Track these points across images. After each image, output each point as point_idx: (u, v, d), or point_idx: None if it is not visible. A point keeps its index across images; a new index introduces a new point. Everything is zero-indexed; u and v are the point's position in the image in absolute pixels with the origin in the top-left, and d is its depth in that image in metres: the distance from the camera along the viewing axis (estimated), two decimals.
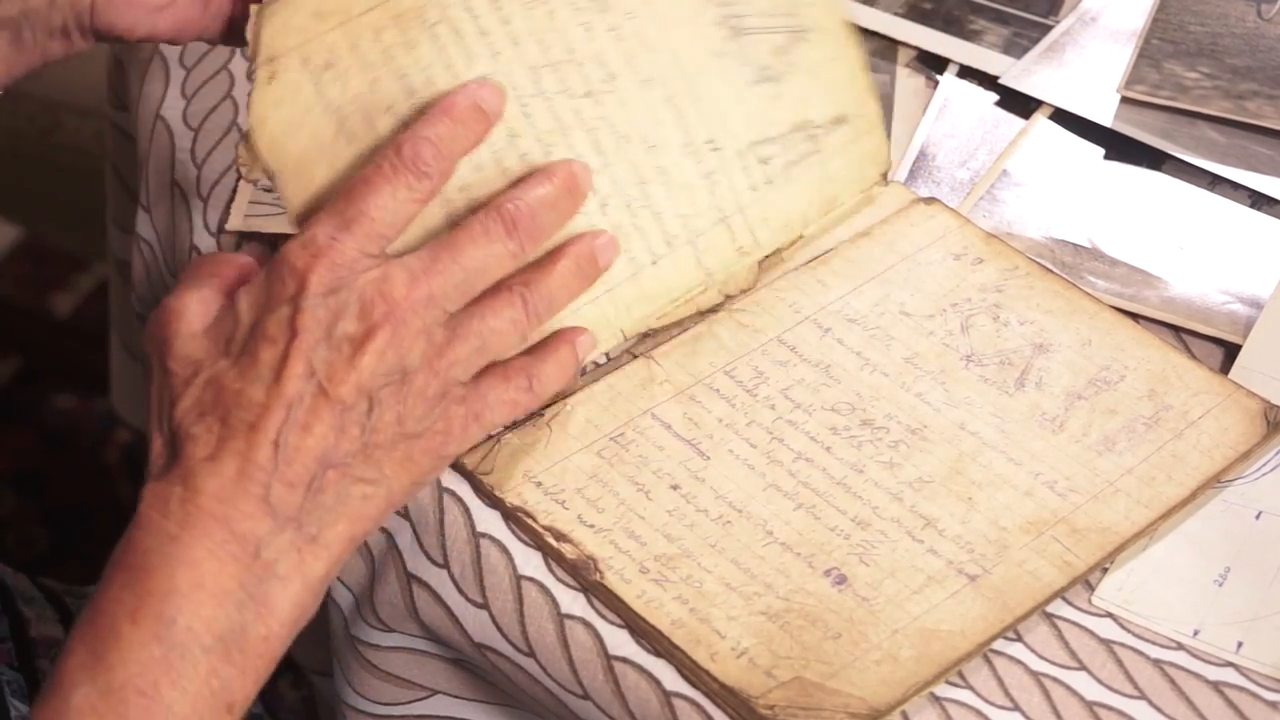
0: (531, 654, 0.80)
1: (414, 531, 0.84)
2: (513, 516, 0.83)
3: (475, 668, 0.85)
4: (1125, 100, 0.98)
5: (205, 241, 0.95)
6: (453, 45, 0.84)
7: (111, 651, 0.72)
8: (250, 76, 0.82)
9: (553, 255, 0.82)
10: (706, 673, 0.77)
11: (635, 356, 0.88)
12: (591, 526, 0.82)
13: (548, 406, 0.86)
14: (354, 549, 0.77)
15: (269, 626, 0.74)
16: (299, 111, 0.82)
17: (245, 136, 0.81)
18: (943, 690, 0.77)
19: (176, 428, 0.76)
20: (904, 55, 1.02)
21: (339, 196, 0.79)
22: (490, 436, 0.86)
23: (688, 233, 0.88)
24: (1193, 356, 0.87)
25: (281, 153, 0.81)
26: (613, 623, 0.80)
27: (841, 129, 0.90)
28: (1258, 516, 0.81)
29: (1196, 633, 0.78)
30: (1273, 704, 0.76)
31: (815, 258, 0.91)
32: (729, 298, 0.89)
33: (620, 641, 0.79)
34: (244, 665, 0.74)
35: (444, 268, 0.78)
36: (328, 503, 0.76)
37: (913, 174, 0.96)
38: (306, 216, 0.81)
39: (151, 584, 0.73)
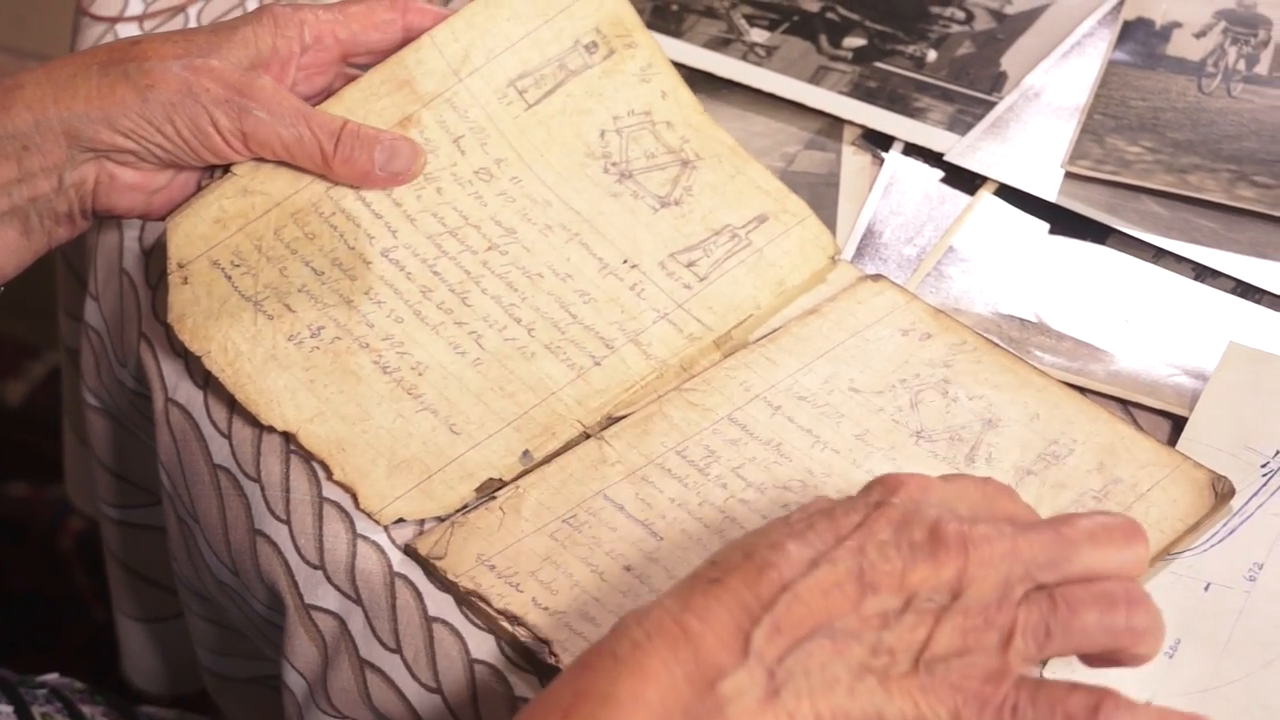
0: None
1: (366, 616, 0.84)
2: (466, 600, 0.83)
3: None
4: (1069, 175, 1.00)
5: (154, 330, 0.95)
6: (350, 231, 0.92)
7: None
8: (167, 280, 0.90)
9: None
10: None
11: (587, 437, 0.89)
12: (545, 609, 0.82)
13: (500, 489, 0.87)
14: None
15: None
16: (215, 303, 0.90)
17: (168, 328, 0.90)
18: None
19: (711, 555, 0.72)
20: (849, 133, 1.04)
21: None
22: (441, 519, 0.86)
23: (626, 334, 0.91)
24: (1140, 429, 0.88)
25: (205, 338, 0.90)
26: None
27: (766, 225, 0.93)
28: (1206, 588, 0.82)
29: (1148, 704, 0.78)
30: None
31: (764, 336, 0.92)
32: (692, 376, 0.91)
33: None
34: None
35: (1042, 535, 0.71)
36: (810, 670, 0.68)
37: (860, 251, 0.97)
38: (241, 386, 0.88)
39: (594, 684, 0.68)
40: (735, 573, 0.69)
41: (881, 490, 0.72)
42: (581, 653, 0.70)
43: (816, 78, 1.06)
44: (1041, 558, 0.70)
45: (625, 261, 0.93)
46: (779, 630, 0.68)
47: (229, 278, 0.91)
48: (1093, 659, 0.72)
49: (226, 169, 0.93)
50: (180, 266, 0.92)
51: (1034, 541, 0.70)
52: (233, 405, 0.91)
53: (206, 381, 0.92)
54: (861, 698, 0.68)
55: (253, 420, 0.89)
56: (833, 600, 0.68)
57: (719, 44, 1.08)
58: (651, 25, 1.07)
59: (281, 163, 0.93)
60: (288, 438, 0.89)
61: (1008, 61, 1.06)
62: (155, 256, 0.98)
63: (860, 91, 1.05)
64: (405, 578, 0.85)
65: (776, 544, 0.70)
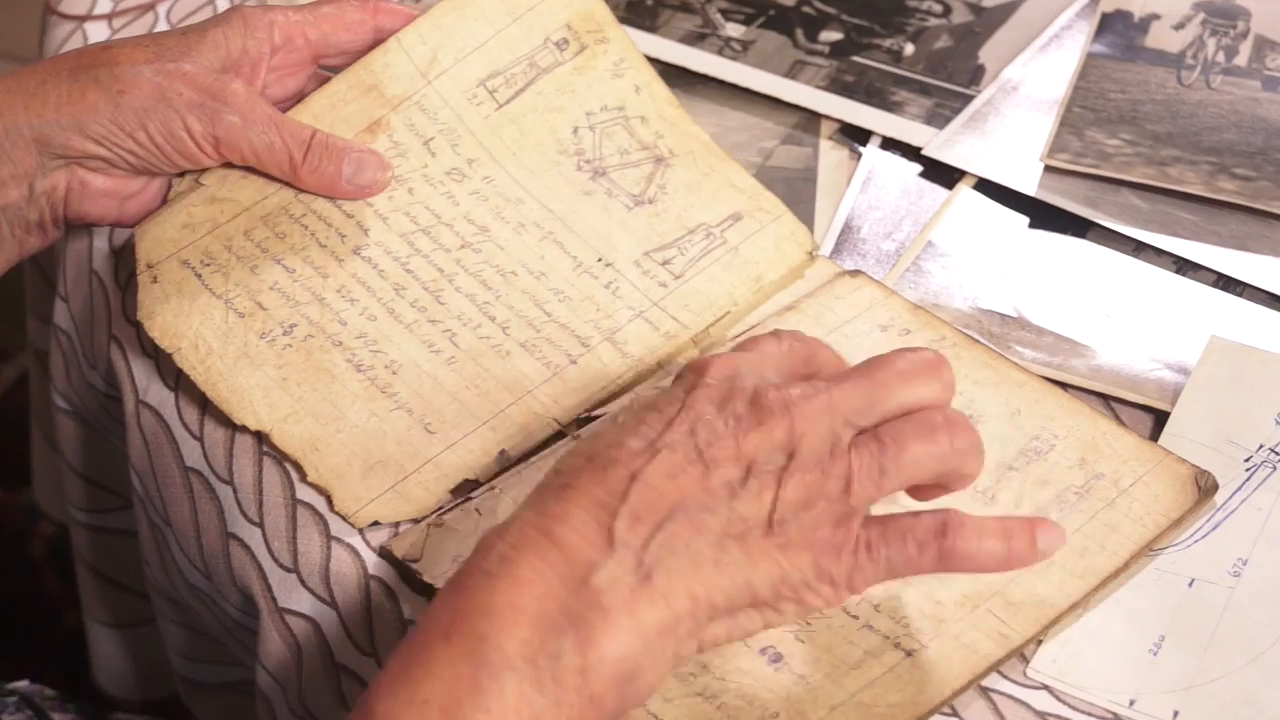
0: None
1: (340, 620, 0.84)
2: None
3: None
4: (1048, 169, 0.99)
5: (124, 331, 0.95)
6: (322, 230, 0.92)
7: (419, 666, 0.69)
8: (136, 280, 0.90)
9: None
10: None
11: (564, 436, 0.88)
12: None
13: (477, 490, 0.86)
14: (696, 621, 0.72)
15: (586, 659, 0.69)
16: (186, 300, 0.90)
17: (138, 326, 0.90)
18: None
19: (552, 466, 0.75)
20: (827, 128, 1.03)
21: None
22: (417, 521, 0.86)
23: (601, 333, 0.90)
24: (1122, 424, 0.87)
25: (176, 335, 0.89)
26: None
27: (741, 223, 0.93)
28: (1190, 584, 0.82)
29: (1132, 703, 0.78)
30: None
31: (742, 333, 0.92)
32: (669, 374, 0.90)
33: None
34: (558, 697, 0.69)
35: (855, 384, 0.75)
36: (675, 550, 0.71)
37: (838, 247, 0.97)
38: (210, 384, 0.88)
39: (470, 602, 0.70)
40: (582, 474, 0.72)
41: (693, 374, 0.75)
42: (451, 575, 0.72)
43: (793, 72, 1.06)
44: (859, 403, 0.74)
45: (600, 260, 0.92)
46: (638, 518, 0.71)
47: (199, 276, 0.91)
48: (925, 491, 0.77)
49: (194, 174, 0.93)
50: (149, 267, 0.91)
51: (848, 390, 0.74)
52: (205, 407, 0.90)
53: (178, 383, 0.92)
54: (728, 569, 0.72)
55: (225, 421, 0.89)
56: (680, 482, 0.72)
57: (694, 39, 1.08)
58: (626, 20, 1.07)
59: (249, 170, 0.93)
60: (260, 437, 0.88)
61: (986, 54, 1.06)
62: (125, 257, 0.97)
63: (837, 86, 1.05)
64: (381, 580, 0.84)
65: (613, 443, 0.73)
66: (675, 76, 1.05)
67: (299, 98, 0.96)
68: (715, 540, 0.72)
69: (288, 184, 0.93)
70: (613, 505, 0.71)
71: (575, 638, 0.70)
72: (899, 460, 0.74)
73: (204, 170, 0.93)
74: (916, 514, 0.74)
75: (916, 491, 0.77)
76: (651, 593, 0.71)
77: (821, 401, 0.74)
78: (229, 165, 0.93)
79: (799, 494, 0.73)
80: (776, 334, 0.78)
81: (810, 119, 1.04)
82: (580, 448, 0.74)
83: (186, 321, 0.90)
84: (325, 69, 0.97)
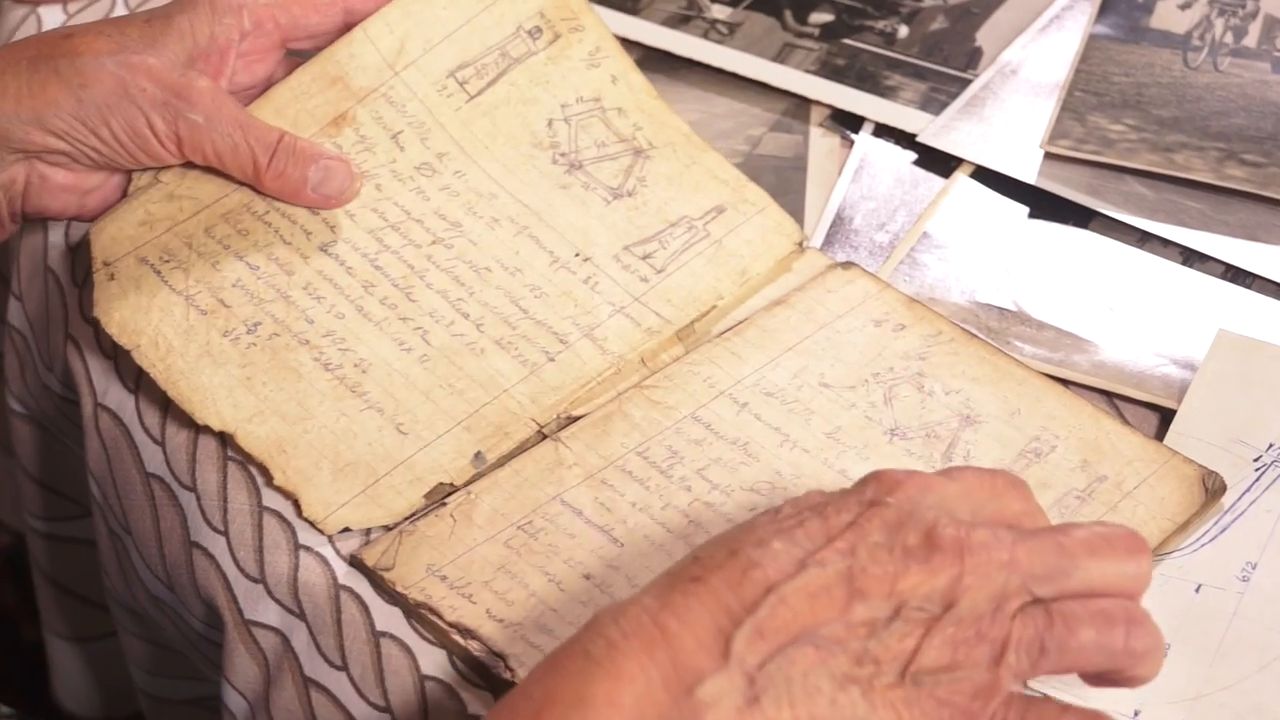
0: None
1: (310, 632, 0.84)
2: (415, 613, 0.83)
3: None
4: (1049, 156, 0.99)
5: (82, 331, 0.94)
6: (285, 227, 0.92)
7: None
8: (93, 278, 0.90)
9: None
10: None
11: (543, 437, 0.88)
12: (500, 621, 0.81)
13: (451, 494, 0.86)
14: None
15: None
16: (145, 297, 0.90)
17: (95, 323, 0.90)
18: None
19: (694, 549, 0.71)
20: (817, 114, 1.03)
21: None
22: (389, 527, 0.86)
23: (580, 329, 0.90)
24: (1126, 423, 0.87)
25: (135, 332, 0.89)
26: None
27: (724, 215, 0.93)
28: (1197, 590, 0.82)
29: (1137, 713, 0.78)
30: None
31: (729, 329, 0.91)
32: (654, 373, 0.90)
33: None
34: None
35: (1041, 545, 0.71)
36: (791, 677, 0.68)
37: (829, 238, 0.97)
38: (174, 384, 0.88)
39: (566, 686, 0.68)
40: (718, 571, 0.69)
41: (877, 488, 0.71)
42: (553, 650, 0.69)
43: (782, 56, 1.06)
44: (1040, 569, 0.70)
45: (577, 254, 0.92)
46: (761, 635, 0.68)
47: (158, 272, 0.91)
48: (1088, 678, 0.72)
49: (153, 170, 0.93)
50: (106, 265, 0.91)
51: (1033, 551, 0.70)
52: (166, 410, 0.90)
53: (138, 385, 0.91)
54: (844, 708, 0.68)
55: (188, 425, 0.89)
56: (819, 605, 0.68)
57: (678, 21, 1.07)
58: (607, 2, 1.07)
59: (211, 169, 0.93)
60: (224, 439, 0.88)
61: (983, 37, 1.06)
62: (82, 253, 0.97)
63: (828, 70, 1.05)
64: (351, 590, 0.84)
65: (763, 541, 0.69)
66: (658, 61, 1.05)
67: (269, 84, 0.96)
68: (838, 677, 0.68)
69: (250, 187, 0.93)
70: (739, 614, 0.68)
71: None
72: (1064, 644, 0.69)
73: (164, 166, 0.93)
74: (1065, 707, 0.70)
75: (1082, 677, 0.73)
76: (756, 716, 0.67)
77: (1001, 556, 0.69)
78: (190, 164, 0.93)
79: (944, 652, 0.68)
80: (987, 472, 0.73)
81: (800, 105, 1.04)
82: (727, 538, 0.70)
83: (146, 318, 0.90)
84: (293, 53, 0.97)
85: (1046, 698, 0.70)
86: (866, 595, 0.68)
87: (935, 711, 0.68)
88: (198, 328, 0.89)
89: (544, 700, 0.68)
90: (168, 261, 0.91)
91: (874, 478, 0.72)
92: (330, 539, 0.86)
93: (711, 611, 0.68)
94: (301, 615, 0.84)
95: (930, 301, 0.94)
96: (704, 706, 0.67)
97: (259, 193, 0.93)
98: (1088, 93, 1.02)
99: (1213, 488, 0.84)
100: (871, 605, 0.68)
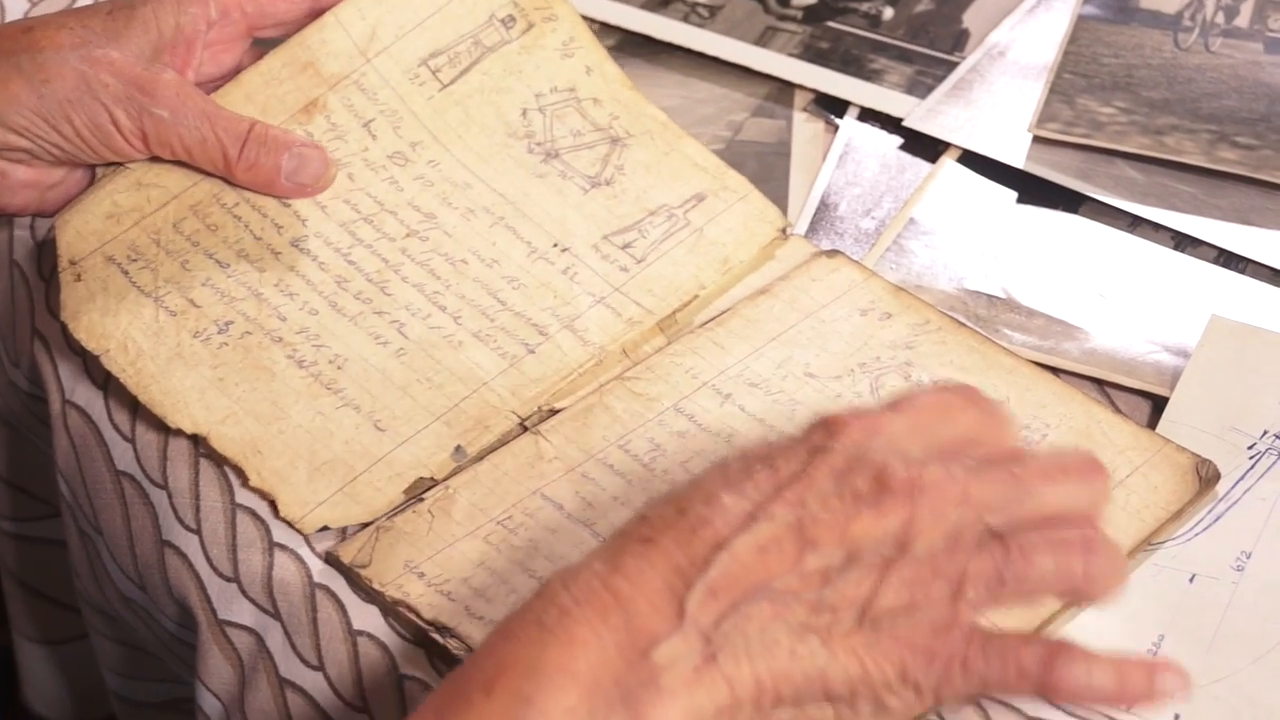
0: None
1: (285, 631, 0.84)
2: (393, 611, 0.83)
3: None
4: (1038, 140, 1.00)
5: (49, 327, 0.95)
6: (256, 221, 0.92)
7: (454, 717, 0.68)
8: (59, 278, 0.90)
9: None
10: None
11: (524, 430, 0.88)
12: (480, 619, 0.82)
13: (429, 491, 0.86)
14: (759, 709, 0.69)
15: None
16: (113, 299, 0.90)
17: (63, 326, 0.90)
18: None
19: (641, 508, 0.72)
20: (801, 99, 1.04)
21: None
22: (366, 525, 0.86)
23: (560, 321, 0.91)
24: (1118, 411, 0.88)
25: (103, 336, 0.89)
26: None
27: (705, 203, 0.93)
28: (1191, 580, 0.82)
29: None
30: None
31: (712, 319, 0.92)
32: (635, 364, 0.90)
33: None
34: None
35: (996, 477, 0.71)
36: (749, 634, 0.68)
37: (814, 226, 0.97)
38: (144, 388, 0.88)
39: (519, 655, 0.68)
40: (667, 531, 0.69)
41: (823, 433, 0.72)
42: (504, 619, 0.70)
43: (764, 39, 1.06)
44: (995, 500, 0.70)
45: (555, 245, 0.93)
46: (714, 593, 0.68)
47: (126, 273, 0.91)
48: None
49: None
50: (72, 264, 0.91)
51: (987, 484, 0.71)
52: (136, 407, 0.90)
53: (107, 381, 0.92)
54: (804, 659, 0.69)
55: (159, 421, 0.89)
56: (770, 558, 0.69)
57: (658, 4, 1.08)
58: None
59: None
60: (197, 441, 0.89)
61: (970, 18, 1.07)
62: (48, 248, 0.97)
63: (811, 53, 1.05)
64: (327, 589, 0.84)
65: (711, 497, 0.70)
66: (638, 45, 1.05)
67: (236, 74, 0.96)
68: (795, 629, 0.69)
69: (222, 179, 0.93)
70: (690, 574, 0.68)
71: (625, 714, 0.67)
72: (1021, 573, 0.70)
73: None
74: (1026, 638, 0.70)
75: None
76: (714, 675, 0.68)
77: (954, 492, 0.70)
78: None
79: (901, 593, 0.69)
80: (934, 393, 0.74)
81: (783, 89, 1.04)
82: (674, 495, 0.71)
83: (114, 321, 0.90)
84: (259, 42, 0.97)
85: (1008, 631, 0.71)
86: (818, 544, 0.69)
87: (896, 652, 0.69)
88: (168, 329, 0.90)
89: (496, 670, 0.68)
90: (135, 260, 0.91)
91: (820, 423, 0.72)
92: (306, 537, 0.86)
93: (662, 573, 0.69)
94: (276, 614, 0.85)
95: (917, 289, 0.94)
96: (660, 669, 0.68)
97: (229, 182, 0.93)
98: (1077, 75, 1.02)
99: (1206, 476, 0.84)
100: (824, 554, 0.69)
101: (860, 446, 0.71)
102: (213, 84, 0.95)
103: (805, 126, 1.02)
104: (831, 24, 1.06)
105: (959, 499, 0.70)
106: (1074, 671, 0.69)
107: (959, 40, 1.05)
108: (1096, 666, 0.70)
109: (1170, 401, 0.88)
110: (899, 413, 0.73)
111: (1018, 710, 0.79)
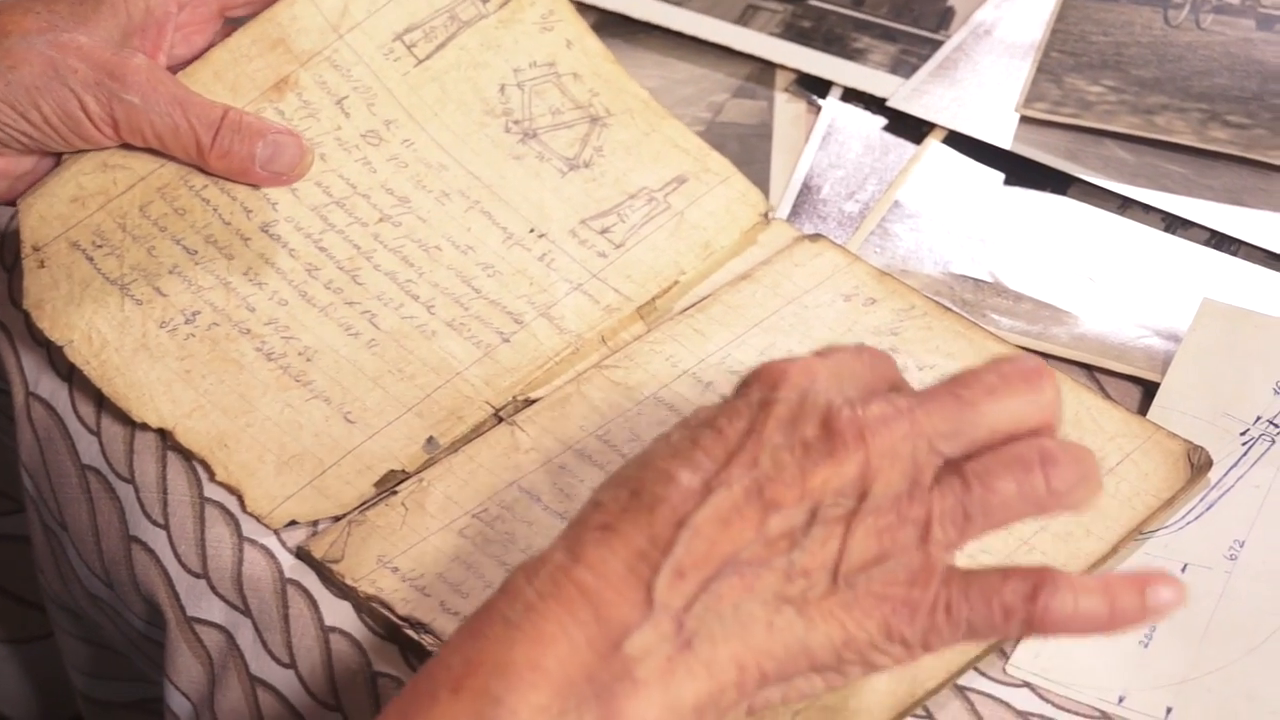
0: None
1: (255, 628, 0.84)
2: (366, 607, 0.83)
3: None
4: (1025, 120, 1.00)
5: (11, 318, 0.95)
6: (225, 205, 0.92)
7: (421, 717, 0.68)
8: (22, 264, 0.90)
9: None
10: None
11: (499, 421, 0.89)
12: (456, 614, 0.82)
13: (403, 482, 0.87)
14: (743, 691, 0.69)
15: None
16: (77, 287, 0.90)
17: (26, 315, 0.90)
18: None
19: (593, 494, 0.71)
20: (782, 79, 1.04)
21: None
22: (338, 518, 0.86)
23: (536, 308, 0.91)
24: (1108, 397, 0.88)
25: (68, 326, 0.89)
26: None
27: (686, 186, 0.93)
28: (1183, 569, 0.83)
29: (1122, 699, 0.79)
30: None
31: (692, 305, 0.92)
32: (614, 352, 0.91)
33: None
34: None
35: (940, 403, 0.70)
36: (722, 613, 0.68)
37: (796, 209, 0.98)
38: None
39: (486, 652, 0.67)
40: (624, 515, 0.69)
41: (762, 386, 0.71)
42: (469, 616, 0.69)
43: (744, 18, 1.06)
44: (944, 427, 0.70)
45: (532, 230, 0.93)
46: (681, 574, 0.68)
47: (91, 259, 0.91)
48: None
49: None
50: (35, 250, 0.91)
51: (933, 411, 0.70)
52: (101, 399, 0.90)
53: (71, 374, 0.92)
54: (783, 631, 0.68)
55: (124, 415, 0.89)
56: (733, 529, 0.68)
57: None
58: None
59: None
60: (163, 435, 0.89)
61: None
62: (10, 237, 0.97)
63: (793, 32, 1.05)
64: (298, 584, 0.85)
65: (664, 474, 0.69)
66: (616, 25, 1.05)
67: None
68: (769, 600, 0.68)
69: (195, 166, 0.93)
70: (655, 557, 0.68)
71: (599, 711, 0.67)
72: (986, 503, 0.70)
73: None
74: (1005, 572, 0.69)
75: None
76: (691, 662, 0.68)
77: (902, 426, 0.69)
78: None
79: (869, 546, 0.69)
80: (854, 349, 0.73)
81: (764, 69, 1.04)
82: (625, 477, 0.70)
83: (78, 310, 0.90)
84: (231, 21, 0.97)
85: (986, 568, 0.70)
86: (779, 504, 0.69)
87: (876, 609, 0.69)
88: (134, 319, 0.90)
89: (464, 669, 0.68)
90: (100, 246, 0.91)
91: (755, 376, 0.72)
92: (276, 532, 0.86)
93: (625, 559, 0.68)
94: (247, 611, 0.85)
95: (902, 274, 0.94)
96: (633, 661, 0.67)
97: (202, 170, 0.93)
98: (1065, 53, 1.03)
99: (1198, 463, 0.85)
100: (786, 514, 0.68)
101: (802, 391, 0.71)
102: (184, 67, 0.95)
103: (787, 107, 1.03)
104: (814, 2, 1.07)
105: (908, 431, 0.69)
106: (1059, 601, 0.69)
107: (944, 18, 1.06)
108: (1083, 592, 0.69)
109: (1161, 387, 0.89)
110: (827, 357, 0.72)
111: (1007, 705, 0.79)
